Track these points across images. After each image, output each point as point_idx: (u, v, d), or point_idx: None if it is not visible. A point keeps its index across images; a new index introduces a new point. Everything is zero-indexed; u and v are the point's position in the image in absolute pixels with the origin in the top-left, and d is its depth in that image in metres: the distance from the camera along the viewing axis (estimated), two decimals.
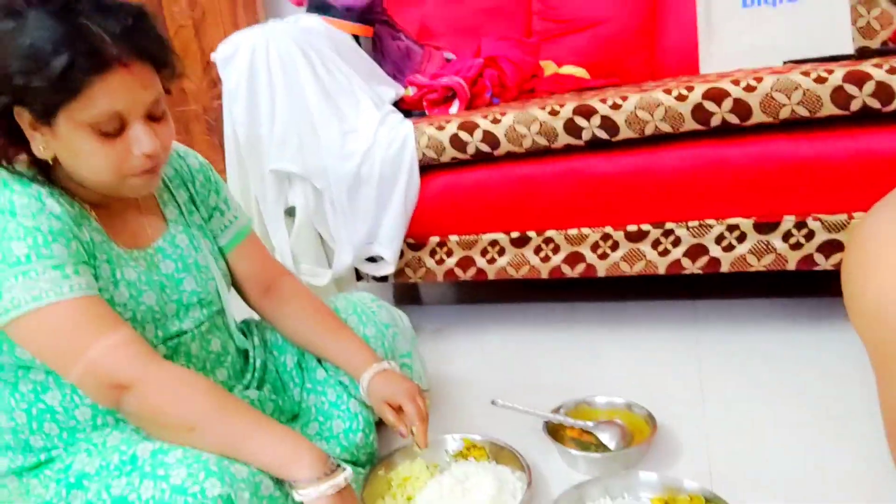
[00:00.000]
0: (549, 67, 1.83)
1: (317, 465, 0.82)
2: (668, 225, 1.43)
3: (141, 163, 0.87)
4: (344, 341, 1.11)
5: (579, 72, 1.80)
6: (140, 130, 0.85)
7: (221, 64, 1.58)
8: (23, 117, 0.84)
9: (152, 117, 0.88)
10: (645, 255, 1.46)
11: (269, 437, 0.84)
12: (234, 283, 1.14)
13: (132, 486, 0.78)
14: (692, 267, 1.44)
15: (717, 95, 1.32)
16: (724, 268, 1.43)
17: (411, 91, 1.76)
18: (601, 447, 1.10)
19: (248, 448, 0.82)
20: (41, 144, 0.85)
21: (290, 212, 1.62)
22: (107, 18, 0.81)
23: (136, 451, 0.82)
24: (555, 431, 1.15)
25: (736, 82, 1.31)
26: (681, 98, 1.33)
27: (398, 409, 1.04)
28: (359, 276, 1.68)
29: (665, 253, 1.45)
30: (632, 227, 1.45)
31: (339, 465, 0.86)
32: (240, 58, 1.56)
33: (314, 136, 1.55)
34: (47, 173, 0.89)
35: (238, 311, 1.13)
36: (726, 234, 1.40)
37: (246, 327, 1.20)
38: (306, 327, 1.12)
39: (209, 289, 1.04)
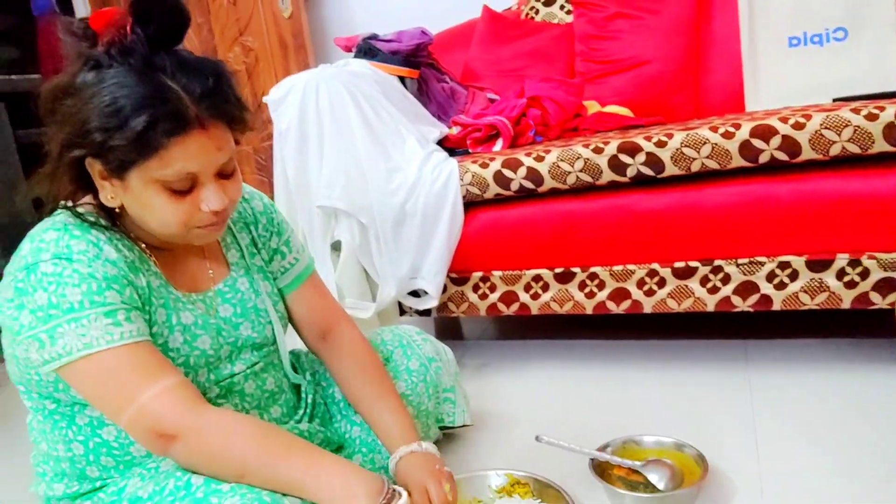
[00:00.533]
0: (593, 107, 1.84)
1: (372, 496, 0.82)
2: (717, 262, 1.41)
3: (208, 217, 0.88)
4: (383, 412, 1.06)
5: (623, 111, 1.81)
6: (211, 190, 0.86)
7: (273, 105, 1.65)
8: (94, 168, 0.85)
9: (223, 174, 0.88)
10: (693, 293, 1.44)
11: (321, 475, 0.83)
12: (292, 323, 1.14)
13: None
14: (742, 305, 1.42)
15: (764, 133, 1.31)
16: (776, 306, 1.40)
17: (455, 130, 1.79)
18: (650, 487, 1.07)
19: (301, 489, 0.82)
20: (110, 194, 0.86)
21: (336, 246, 1.65)
22: (189, 78, 0.81)
23: (191, 477, 0.83)
24: (601, 470, 1.12)
25: (784, 120, 1.30)
26: (727, 135, 1.33)
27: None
28: (402, 309, 1.70)
29: (714, 290, 1.43)
30: (679, 264, 1.44)
31: (395, 492, 0.85)
32: (291, 100, 1.62)
33: (360, 174, 1.59)
34: (112, 217, 0.90)
35: (287, 340, 1.14)
36: (778, 271, 1.38)
37: (296, 360, 1.21)
38: (353, 385, 1.10)
39: (265, 332, 1.04)
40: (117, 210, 0.88)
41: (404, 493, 0.85)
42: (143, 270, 0.91)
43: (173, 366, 0.88)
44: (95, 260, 0.84)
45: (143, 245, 0.94)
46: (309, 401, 1.15)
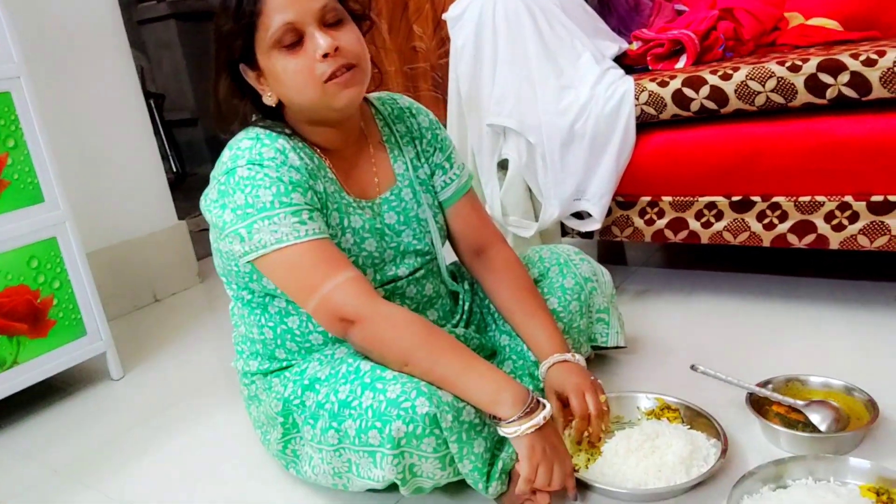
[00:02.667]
0: (795, 19, 1.65)
1: (516, 405, 0.87)
2: None
3: (327, 66, 0.94)
4: (535, 326, 1.11)
5: (831, 24, 1.61)
6: (315, 35, 0.93)
7: (451, 22, 1.67)
8: (248, 74, 0.98)
9: (329, 25, 0.95)
10: (889, 230, 1.30)
11: (474, 377, 0.90)
12: (449, 237, 1.20)
13: (355, 394, 0.90)
14: None
15: None
16: None
17: (636, 45, 1.70)
18: (810, 428, 1.03)
19: (455, 385, 0.89)
20: (267, 91, 0.98)
21: (503, 164, 1.67)
22: None
23: (360, 364, 0.94)
24: (758, 406, 1.09)
25: None
26: None
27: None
28: (564, 230, 1.70)
29: None
30: (877, 198, 1.29)
31: (539, 402, 0.90)
32: (468, 16, 1.63)
33: (532, 92, 1.58)
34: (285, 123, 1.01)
35: (449, 253, 1.20)
36: None
37: (456, 269, 1.28)
38: (505, 301, 1.15)
39: (426, 241, 1.12)
40: (274, 105, 0.99)
41: (549, 405, 0.90)
42: (321, 177, 1.01)
43: (350, 261, 0.98)
44: (282, 166, 0.95)
45: (319, 150, 1.03)
46: (466, 308, 1.22)
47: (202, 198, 1.03)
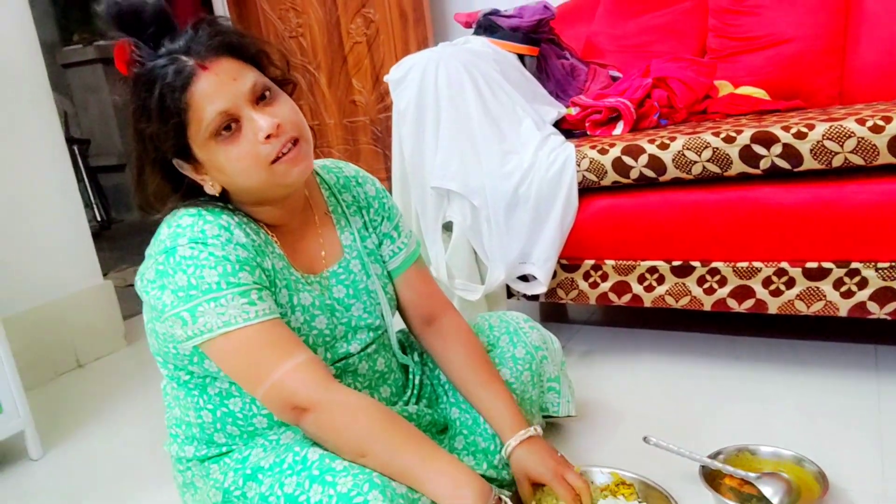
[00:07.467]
0: (725, 88, 1.73)
1: (478, 501, 0.83)
2: (854, 265, 1.31)
3: (272, 146, 0.89)
4: (493, 398, 1.08)
5: (758, 93, 1.69)
6: (253, 117, 0.88)
7: (393, 85, 1.66)
8: (183, 167, 0.93)
9: (261, 101, 0.90)
10: (825, 295, 1.35)
11: (435, 471, 0.86)
12: (398, 307, 1.17)
13: (302, 488, 0.84)
14: (879, 312, 1.31)
15: None
16: None
17: (574, 111, 1.74)
18: (763, 501, 1.03)
19: (415, 479, 0.85)
20: (209, 182, 0.93)
21: (448, 226, 1.66)
22: (174, 42, 0.88)
23: (308, 453, 0.88)
24: (711, 478, 1.09)
25: None
26: (876, 129, 1.21)
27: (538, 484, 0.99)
28: (510, 293, 1.70)
29: (849, 294, 1.32)
30: (811, 265, 1.34)
31: (500, 500, 0.86)
32: (410, 79, 1.63)
33: (475, 156, 1.58)
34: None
35: (397, 322, 1.17)
36: None
37: (405, 339, 1.24)
38: (459, 372, 1.12)
39: (376, 314, 1.08)
40: (217, 194, 0.94)
41: (510, 502, 0.87)
42: (269, 253, 0.96)
43: (303, 343, 0.93)
44: (228, 244, 0.90)
45: (266, 226, 0.99)
46: (416, 382, 1.18)
47: (137, 277, 0.97)
